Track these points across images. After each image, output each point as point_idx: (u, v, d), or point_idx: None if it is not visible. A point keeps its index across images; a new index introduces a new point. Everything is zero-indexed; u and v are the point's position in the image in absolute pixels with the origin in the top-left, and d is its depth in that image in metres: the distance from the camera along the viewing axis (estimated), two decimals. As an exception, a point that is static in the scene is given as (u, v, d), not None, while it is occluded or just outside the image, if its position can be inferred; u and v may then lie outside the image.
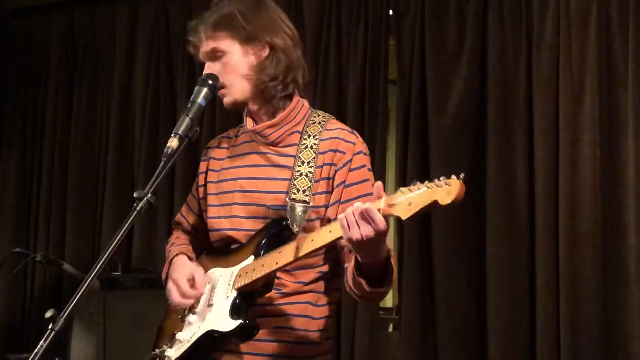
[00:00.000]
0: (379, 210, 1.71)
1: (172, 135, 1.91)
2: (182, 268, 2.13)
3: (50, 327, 1.65)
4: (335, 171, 2.06)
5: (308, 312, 2.08)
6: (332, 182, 2.06)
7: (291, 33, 2.16)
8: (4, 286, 4.76)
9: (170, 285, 2.11)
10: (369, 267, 1.86)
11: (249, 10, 2.12)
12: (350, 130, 2.14)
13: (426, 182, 1.66)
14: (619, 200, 3.49)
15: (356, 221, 1.73)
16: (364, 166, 2.09)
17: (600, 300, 3.45)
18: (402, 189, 1.70)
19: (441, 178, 1.64)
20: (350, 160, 2.07)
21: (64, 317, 1.66)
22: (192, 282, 2.08)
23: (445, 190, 1.61)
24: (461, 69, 3.85)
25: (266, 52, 2.11)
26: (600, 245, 3.48)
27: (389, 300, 6.24)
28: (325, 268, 2.10)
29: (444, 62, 3.89)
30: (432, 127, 3.85)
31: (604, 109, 3.55)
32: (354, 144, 2.10)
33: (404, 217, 1.67)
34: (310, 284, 2.08)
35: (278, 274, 2.04)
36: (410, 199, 1.66)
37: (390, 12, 4.09)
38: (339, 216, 1.78)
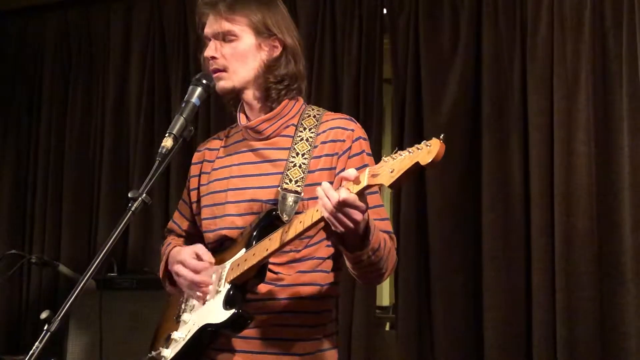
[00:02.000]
0: (359, 185, 1.71)
1: (167, 135, 1.90)
2: (183, 250, 2.11)
3: (45, 328, 1.65)
4: (337, 159, 2.06)
5: (309, 308, 2.06)
6: (335, 172, 2.05)
7: (299, 38, 2.16)
8: (-1, 288, 4.75)
9: (178, 268, 2.07)
10: (349, 236, 1.85)
11: (268, 3, 2.11)
12: (347, 117, 2.13)
13: (408, 148, 1.67)
14: (614, 198, 3.50)
15: (343, 214, 1.74)
16: (362, 152, 2.08)
17: (597, 298, 3.46)
18: (385, 158, 1.71)
19: (422, 142, 1.64)
20: (350, 147, 2.06)
21: (59, 318, 1.65)
22: (197, 257, 2.06)
23: (426, 150, 1.61)
24: (456, 68, 3.85)
25: (278, 51, 2.10)
26: (595, 243, 3.49)
27: (385, 299, 6.25)
28: (322, 256, 2.09)
29: (439, 61, 3.90)
30: (427, 125, 3.86)
31: (598, 106, 3.55)
32: (352, 130, 2.09)
33: (387, 184, 1.67)
34: (309, 274, 2.06)
35: (274, 268, 2.03)
36: (392, 166, 1.67)
37: (385, 10, 4.10)
38: (325, 215, 1.76)
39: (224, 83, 2.09)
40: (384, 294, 6.35)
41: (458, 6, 3.90)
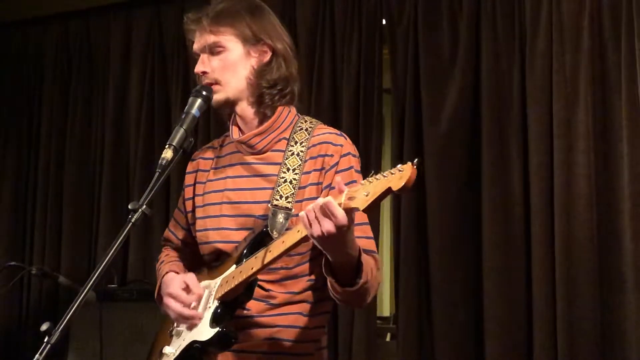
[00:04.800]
0: (339, 204, 1.71)
1: (167, 146, 1.89)
2: (174, 281, 2.08)
3: (46, 340, 1.65)
4: (324, 174, 2.04)
5: (299, 323, 2.05)
6: (322, 186, 2.04)
7: (290, 43, 2.14)
8: (-1, 299, 4.75)
9: (168, 300, 2.05)
10: (340, 267, 1.84)
11: (253, 11, 2.10)
12: (338, 132, 2.11)
13: (383, 171, 1.68)
14: (614, 207, 3.50)
15: (316, 217, 1.72)
16: (351, 168, 2.06)
17: (597, 307, 3.46)
18: (363, 181, 1.72)
19: (398, 165, 1.66)
20: (337, 162, 2.04)
21: (59, 330, 1.65)
22: (187, 289, 2.04)
23: (398, 176, 1.62)
24: (455, 77, 3.86)
25: (268, 56, 2.08)
26: (596, 252, 3.49)
27: (386, 309, 6.24)
28: (314, 277, 2.07)
29: (438, 71, 3.90)
30: (427, 135, 3.86)
31: (597, 116, 3.56)
32: (341, 145, 2.07)
33: (361, 208, 1.67)
34: (301, 293, 2.05)
35: (266, 285, 2.02)
36: (368, 189, 1.67)
37: (384, 21, 4.11)
38: (300, 213, 1.76)
39: (218, 96, 2.07)
40: (385, 304, 6.34)
41: (457, 17, 3.91)
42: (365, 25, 4.12)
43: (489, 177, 3.72)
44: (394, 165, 1.70)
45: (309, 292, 2.07)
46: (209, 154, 2.24)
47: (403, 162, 1.68)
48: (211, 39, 2.06)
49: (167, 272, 2.18)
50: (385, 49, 4.14)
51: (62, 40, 5.03)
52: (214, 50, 2.07)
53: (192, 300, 2.02)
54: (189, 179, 2.25)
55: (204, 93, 2.02)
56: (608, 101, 3.56)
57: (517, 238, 3.65)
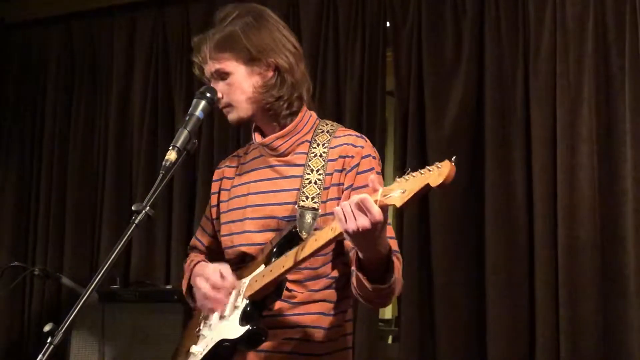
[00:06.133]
0: (375, 201, 1.73)
1: (170, 148, 1.91)
2: (208, 266, 2.13)
3: (48, 341, 1.65)
4: (345, 175, 2.08)
5: (319, 323, 2.08)
6: (343, 187, 2.07)
7: (293, 48, 2.16)
8: (2, 300, 4.74)
9: (200, 281, 2.09)
10: (370, 264, 1.86)
11: (251, 29, 2.11)
12: (358, 134, 2.16)
13: (419, 169, 1.69)
14: (617, 210, 3.49)
15: (352, 212, 1.74)
16: (372, 169, 2.09)
17: (600, 311, 3.45)
18: (398, 179, 1.72)
19: (434, 164, 1.66)
20: (358, 163, 2.08)
21: (62, 331, 1.65)
22: (221, 276, 2.07)
23: (437, 172, 1.64)
24: (458, 80, 3.86)
25: (271, 73, 2.11)
26: (599, 256, 3.48)
27: (388, 312, 6.23)
28: (335, 275, 2.10)
29: (442, 73, 3.90)
30: (430, 138, 3.86)
31: (601, 119, 3.56)
32: (362, 147, 2.11)
33: (398, 205, 1.69)
34: (321, 291, 2.08)
35: (289, 285, 2.05)
36: (404, 186, 1.69)
37: (387, 23, 4.11)
38: (336, 208, 1.78)
39: (231, 116, 2.15)
40: (386, 306, 6.33)
41: (461, 19, 3.91)
42: (368, 27, 4.12)
43: (492, 179, 3.71)
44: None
45: (329, 291, 2.10)
46: (234, 161, 2.29)
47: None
48: (215, 66, 2.12)
49: (196, 263, 2.22)
50: (389, 52, 4.14)
51: (65, 42, 5.04)
52: (219, 76, 2.12)
53: (222, 286, 2.05)
54: (214, 187, 2.30)
55: (207, 95, 2.04)
56: (612, 105, 3.56)
57: (520, 241, 3.65)
